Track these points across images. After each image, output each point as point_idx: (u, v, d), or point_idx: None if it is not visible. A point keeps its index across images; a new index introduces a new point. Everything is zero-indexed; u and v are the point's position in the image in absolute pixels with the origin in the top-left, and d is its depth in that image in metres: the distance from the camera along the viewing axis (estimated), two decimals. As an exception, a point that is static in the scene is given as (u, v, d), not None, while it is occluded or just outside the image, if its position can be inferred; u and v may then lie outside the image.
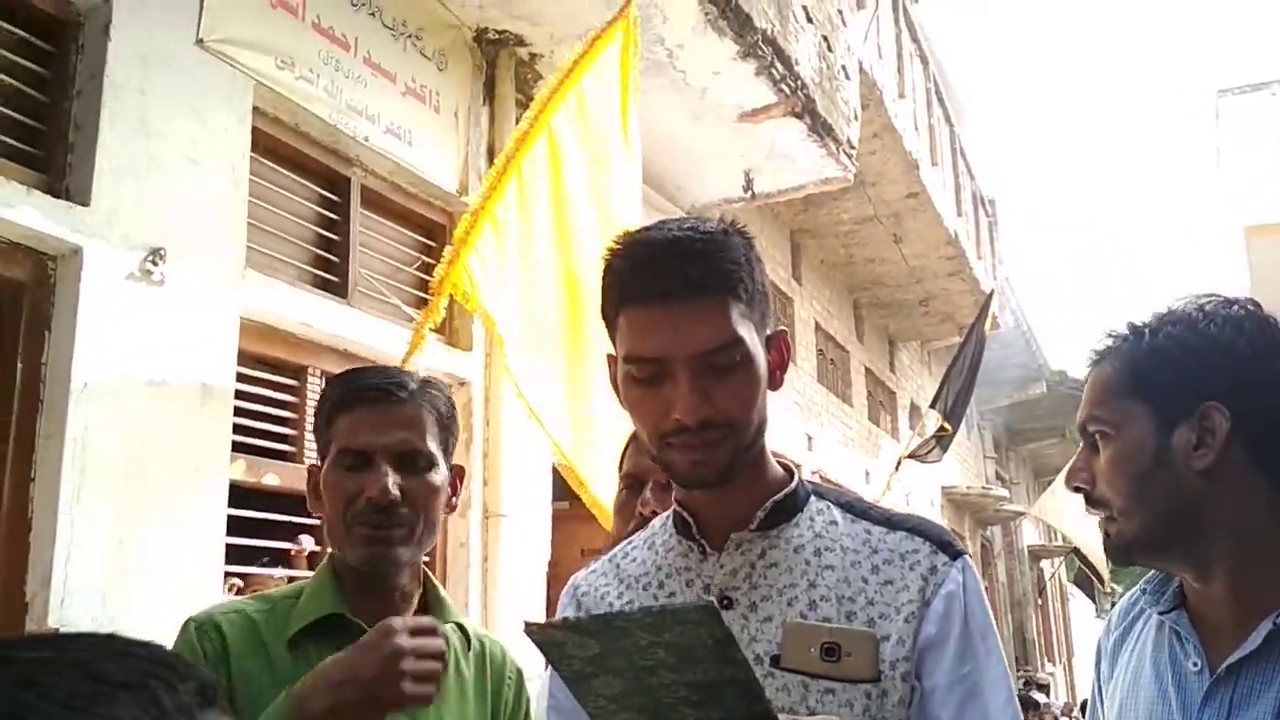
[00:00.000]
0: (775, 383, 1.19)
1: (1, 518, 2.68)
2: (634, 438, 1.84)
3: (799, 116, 5.68)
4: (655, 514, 1.52)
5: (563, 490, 4.89)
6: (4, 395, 2.75)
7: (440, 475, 1.48)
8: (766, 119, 5.64)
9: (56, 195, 2.87)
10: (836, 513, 1.21)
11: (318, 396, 3.69)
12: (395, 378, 1.49)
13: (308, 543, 3.60)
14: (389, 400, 1.46)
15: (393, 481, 1.41)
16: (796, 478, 1.23)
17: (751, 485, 1.18)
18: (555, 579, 4.70)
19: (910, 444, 10.38)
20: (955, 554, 1.16)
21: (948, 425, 10.00)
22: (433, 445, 1.47)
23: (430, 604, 1.51)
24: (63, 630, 2.60)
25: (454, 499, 1.53)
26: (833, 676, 1.08)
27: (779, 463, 1.24)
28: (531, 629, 0.89)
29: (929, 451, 10.17)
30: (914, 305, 11.87)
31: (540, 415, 3.22)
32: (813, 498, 1.23)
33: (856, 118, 6.62)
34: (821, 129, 5.92)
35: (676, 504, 1.24)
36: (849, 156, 6.35)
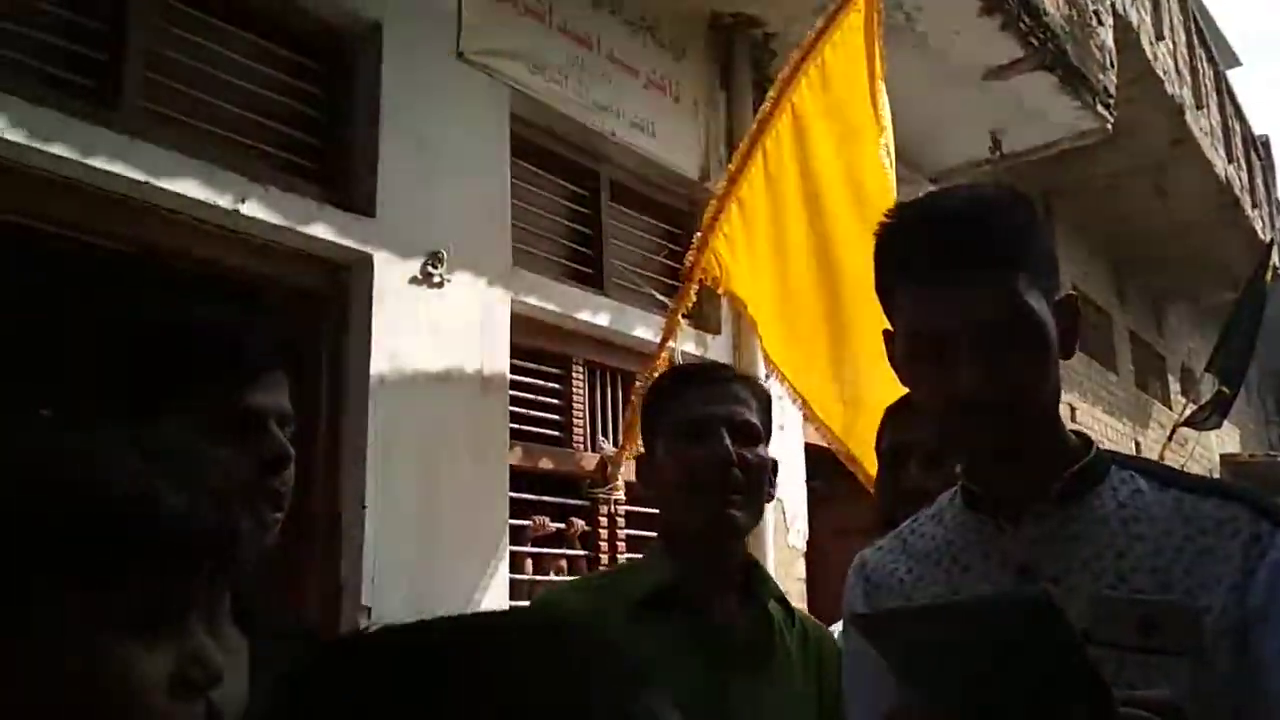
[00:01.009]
0: (1067, 350, 1.14)
1: (316, 508, 2.95)
2: (891, 412, 1.81)
3: (1049, 69, 5.38)
4: (918, 489, 1.50)
5: (815, 470, 4.89)
6: (311, 396, 3.02)
7: (766, 452, 1.55)
8: (1014, 75, 5.38)
9: (345, 209, 3.13)
10: (1142, 481, 1.15)
11: (584, 383, 3.87)
12: (719, 365, 1.63)
13: (579, 524, 3.78)
14: (720, 379, 1.56)
15: (732, 447, 1.48)
16: (1095, 448, 1.18)
17: (1045, 457, 1.14)
18: (812, 559, 4.69)
19: (1185, 411, 9.67)
20: (1278, 520, 1.08)
21: (1226, 389, 9.24)
22: (758, 422, 1.55)
23: (753, 579, 1.56)
24: (374, 609, 2.84)
25: (772, 487, 1.58)
26: (1150, 649, 1.03)
27: (1073, 432, 1.19)
28: (857, 620, 0.90)
29: (1207, 418, 9.46)
30: (1182, 262, 10.98)
31: (805, 393, 3.22)
32: (1115, 467, 1.17)
33: (1112, 65, 6.20)
34: (1074, 80, 5.58)
35: (966, 478, 1.21)
36: (1106, 106, 5.96)
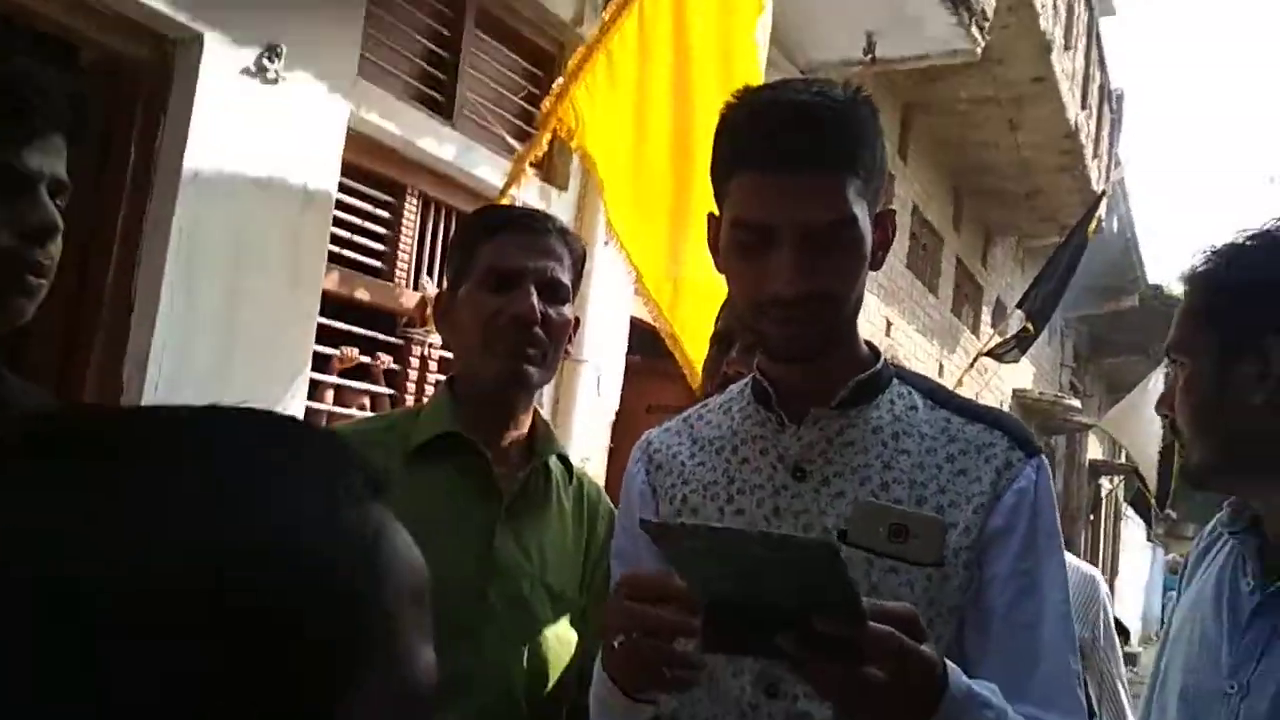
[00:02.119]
0: (876, 262, 1.16)
1: (105, 297, 2.73)
2: (729, 299, 1.82)
3: (935, -21, 5.38)
4: (740, 375, 1.51)
5: (636, 344, 4.91)
6: (117, 173, 2.77)
7: (570, 312, 1.52)
8: (901, -21, 5.35)
9: (179, -23, 2.82)
10: (918, 398, 1.21)
11: (416, 216, 3.70)
12: (539, 214, 1.54)
13: (385, 360, 3.66)
14: (536, 230, 1.50)
15: (537, 302, 1.44)
16: (882, 359, 1.22)
17: (837, 363, 1.17)
18: (619, 429, 4.74)
19: (990, 341, 10.20)
20: (1032, 451, 1.16)
21: (1031, 327, 9.78)
22: (568, 281, 1.52)
23: (538, 433, 1.55)
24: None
25: (569, 347, 1.56)
26: (897, 556, 1.09)
27: (865, 343, 1.22)
28: (648, 525, 0.90)
29: (1008, 351, 10.00)
30: (1019, 198, 11.46)
31: (640, 265, 3.17)
32: (895, 380, 1.22)
33: (995, -10, 6.26)
34: (957, -3, 5.61)
35: (758, 372, 1.23)
36: (980, 29, 6.03)
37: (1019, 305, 9.99)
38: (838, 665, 0.86)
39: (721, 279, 1.20)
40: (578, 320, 1.57)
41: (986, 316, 12.76)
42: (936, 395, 1.22)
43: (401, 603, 0.46)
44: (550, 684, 1.43)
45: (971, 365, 9.78)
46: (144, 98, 2.82)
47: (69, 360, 2.74)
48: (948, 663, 0.94)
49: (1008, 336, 10.07)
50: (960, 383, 9.44)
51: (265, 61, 2.96)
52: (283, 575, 0.41)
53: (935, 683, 0.90)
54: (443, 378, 3.71)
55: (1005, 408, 13.17)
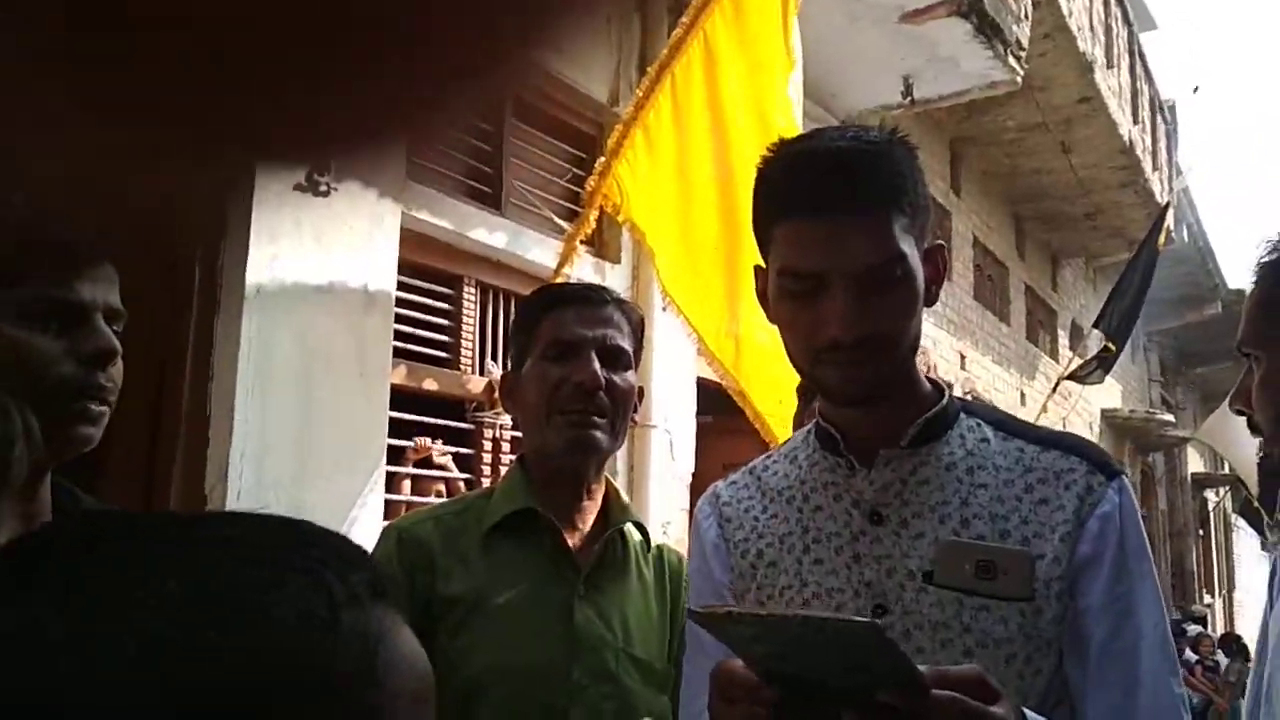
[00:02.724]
0: (930, 298, 1.16)
1: (182, 415, 2.85)
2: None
3: (964, 16, 5.40)
4: None
5: (707, 404, 4.92)
6: (183, 298, 2.90)
7: (634, 379, 1.54)
8: (930, 19, 5.38)
9: (228, 107, 2.97)
10: (988, 430, 1.19)
11: (475, 305, 3.80)
12: (595, 286, 1.59)
13: (436, 446, 3.75)
14: (593, 301, 1.53)
15: (600, 369, 1.46)
16: (947, 395, 1.20)
17: (901, 402, 1.16)
18: (697, 491, 4.74)
19: (1070, 364, 9.99)
20: (1112, 474, 1.13)
21: (1111, 345, 9.56)
22: (629, 348, 1.54)
23: (612, 503, 1.55)
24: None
25: (635, 414, 1.57)
26: (987, 594, 1.07)
27: (928, 379, 1.21)
28: (696, 615, 0.91)
29: (1090, 373, 9.77)
30: (1081, 219, 11.29)
31: (698, 327, 3.21)
32: (963, 415, 1.20)
33: (1027, 17, 6.25)
34: (989, 29, 5.61)
35: (821, 419, 1.22)
36: (1017, 59, 6.02)
37: (1095, 325, 9.79)
38: None
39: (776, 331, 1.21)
40: (642, 390, 1.58)
41: (1064, 340, 12.51)
42: (1007, 426, 1.21)
43: (399, 705, 0.46)
44: None
45: (1054, 390, 9.58)
46: (204, 223, 2.96)
47: (152, 476, 2.85)
48: (1026, 712, 0.92)
49: (1088, 358, 9.85)
50: (1045, 409, 9.24)
51: (315, 175, 3.10)
52: (282, 675, 0.42)
53: None
54: (514, 459, 3.77)
55: (1095, 430, 12.85)
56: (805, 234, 1.10)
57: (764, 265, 1.19)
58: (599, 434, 1.47)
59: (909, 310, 1.12)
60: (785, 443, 1.33)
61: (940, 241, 1.19)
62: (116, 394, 1.16)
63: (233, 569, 0.43)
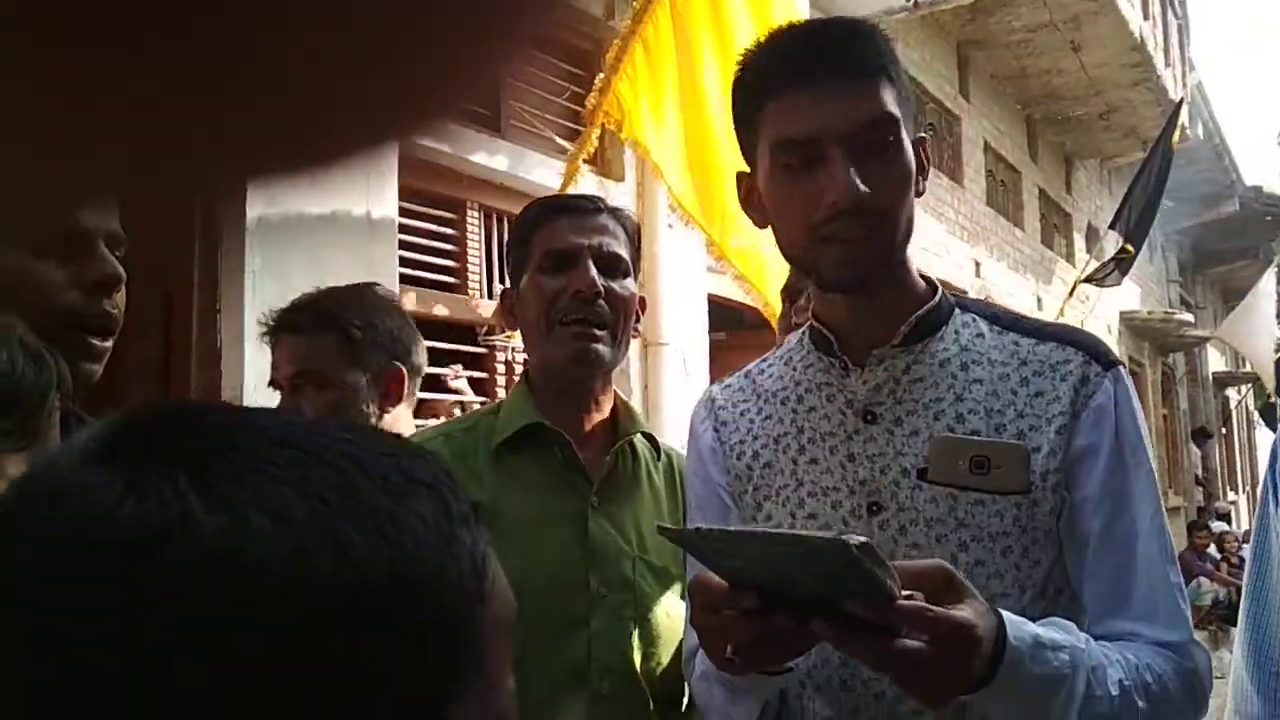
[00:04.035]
0: (919, 190, 1.15)
1: (193, 347, 2.87)
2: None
3: (967, -88, 5.26)
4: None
5: (719, 321, 4.92)
6: (186, 235, 2.90)
7: (634, 287, 1.51)
8: (931, -83, 5.25)
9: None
10: (983, 325, 1.18)
11: (480, 229, 3.79)
12: (587, 195, 1.55)
13: (457, 371, 3.77)
14: (587, 210, 1.50)
15: (598, 277, 1.44)
16: (940, 291, 1.20)
17: (894, 299, 1.15)
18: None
19: (1087, 267, 9.91)
20: (1108, 364, 1.12)
21: (1129, 247, 9.46)
22: (627, 255, 1.51)
23: (620, 414, 1.54)
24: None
25: (638, 325, 1.55)
26: (982, 489, 1.07)
27: (921, 276, 1.20)
28: (667, 533, 0.92)
29: (1107, 275, 9.69)
30: (1093, 120, 11.10)
31: (714, 235, 3.19)
32: (957, 310, 1.19)
33: (1032, -90, 6.08)
34: (992, -75, 5.47)
35: (814, 320, 1.21)
36: (1023, -45, 5.87)
37: (1111, 226, 9.68)
38: (876, 641, 0.86)
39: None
40: (644, 300, 1.56)
41: (1080, 243, 12.39)
42: (1002, 319, 1.19)
43: (499, 630, 0.47)
44: (667, 660, 1.43)
45: (1071, 294, 9.50)
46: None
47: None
48: (1004, 614, 0.92)
49: (1105, 260, 9.76)
50: (1061, 313, 9.18)
51: (312, 103, 3.07)
52: (406, 587, 0.42)
53: (980, 641, 0.88)
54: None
55: (1114, 332, 12.78)
56: (796, 104, 1.09)
57: (747, 170, 1.18)
58: (600, 346, 1.44)
59: (903, 185, 1.11)
60: (780, 346, 1.33)
61: (923, 134, 1.19)
62: (120, 323, 1.16)
63: (365, 477, 0.44)
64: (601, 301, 1.44)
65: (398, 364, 1.72)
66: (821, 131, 1.07)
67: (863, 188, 1.06)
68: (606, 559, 1.42)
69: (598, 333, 1.44)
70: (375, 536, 0.41)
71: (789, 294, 1.98)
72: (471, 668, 0.45)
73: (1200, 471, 16.43)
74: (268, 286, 2.90)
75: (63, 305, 1.09)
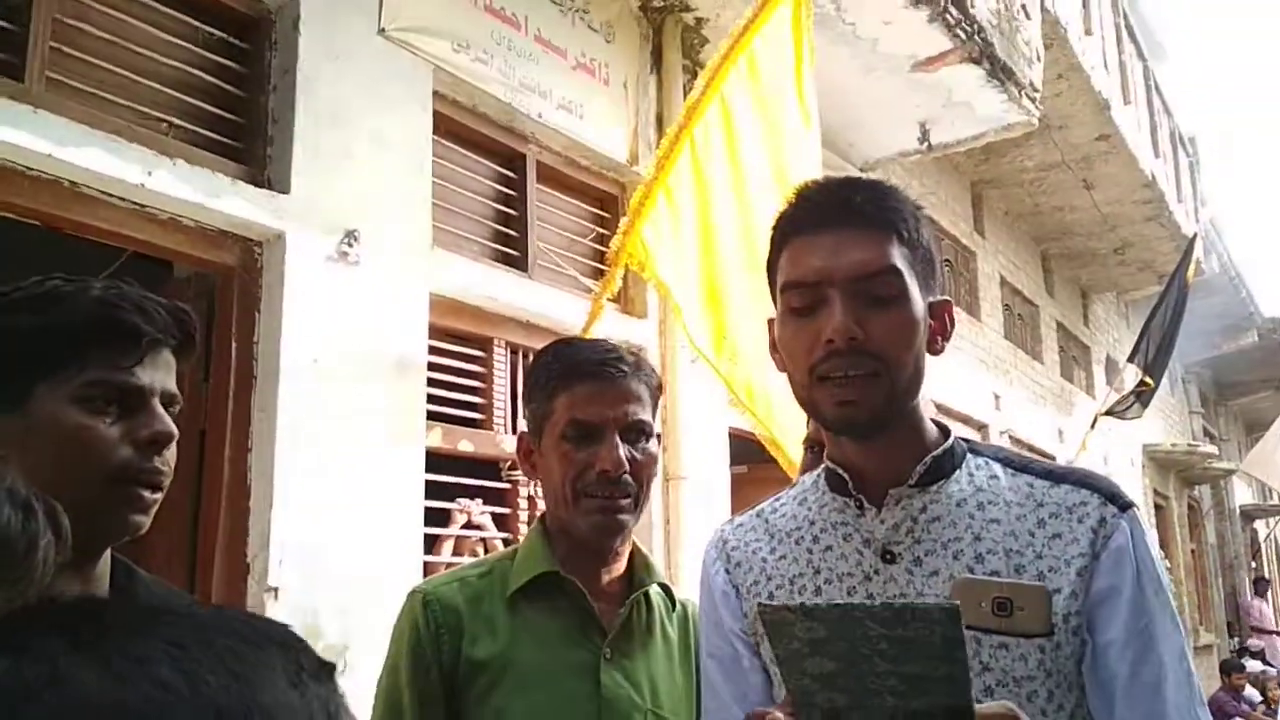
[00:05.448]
0: (935, 348, 1.19)
1: (223, 484, 2.91)
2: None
3: (976, 62, 5.46)
4: None
5: (740, 455, 4.93)
6: (221, 373, 2.98)
7: (656, 447, 1.54)
8: (942, 66, 5.45)
9: (259, 185, 3.08)
10: (996, 467, 1.20)
11: (527, 367, 3.85)
12: (615, 353, 1.53)
13: (475, 506, 3.78)
14: (612, 377, 1.50)
15: (624, 453, 1.46)
16: (952, 435, 1.22)
17: (907, 442, 1.18)
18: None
19: (1107, 400, 9.88)
20: (1124, 505, 1.13)
21: (1148, 380, 9.47)
22: (650, 417, 1.53)
23: (636, 565, 1.55)
24: (281, 590, 2.82)
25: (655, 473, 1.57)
26: (1005, 631, 1.07)
27: (934, 422, 1.22)
28: (766, 610, 0.91)
29: (1128, 408, 9.67)
30: (1108, 254, 11.23)
31: (728, 381, 3.25)
32: (969, 454, 1.21)
33: (1039, 59, 6.30)
34: (1001, 73, 5.66)
35: (830, 461, 1.23)
36: (1032, 100, 6.05)
37: (1130, 359, 9.70)
38: None
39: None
40: (660, 436, 1.57)
41: (1100, 375, 12.38)
42: (1014, 462, 1.21)
43: None
44: None
45: (1092, 427, 9.46)
46: (238, 299, 3.04)
47: (196, 544, 2.91)
48: None
49: (1125, 393, 9.75)
50: (1084, 446, 9.13)
51: (345, 247, 3.19)
52: None
53: None
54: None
55: (1137, 465, 12.66)
56: (806, 246, 1.15)
57: (775, 316, 1.22)
58: (624, 516, 1.47)
59: (907, 333, 1.13)
60: (793, 486, 1.34)
61: (947, 298, 1.22)
62: (169, 478, 1.19)
63: (229, 641, 0.49)
64: (627, 474, 1.46)
65: None
66: (824, 274, 1.12)
67: (856, 329, 1.10)
68: (618, 712, 1.42)
69: (623, 503, 1.47)
70: (230, 689, 0.46)
71: (810, 445, 2.03)
72: None
73: (1262, 623, 15.87)
74: (298, 424, 2.96)
75: (116, 460, 1.12)
